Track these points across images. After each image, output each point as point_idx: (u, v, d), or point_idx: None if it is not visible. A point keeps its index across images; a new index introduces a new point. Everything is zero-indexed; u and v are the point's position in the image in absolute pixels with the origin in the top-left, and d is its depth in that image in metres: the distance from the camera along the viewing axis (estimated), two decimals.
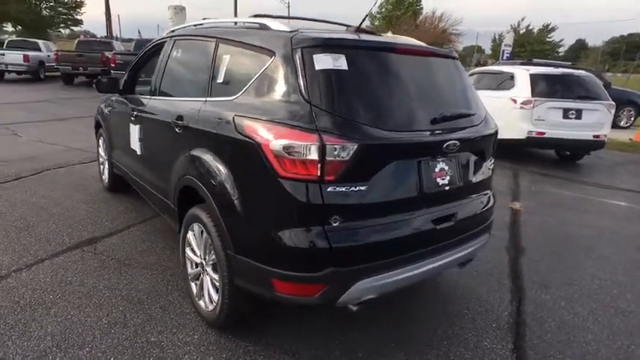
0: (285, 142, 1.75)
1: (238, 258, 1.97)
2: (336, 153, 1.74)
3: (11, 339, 2.18)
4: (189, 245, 2.47)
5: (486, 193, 2.51)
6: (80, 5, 33.99)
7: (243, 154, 1.93)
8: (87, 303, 2.52)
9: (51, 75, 17.01)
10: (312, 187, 1.75)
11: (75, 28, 35.81)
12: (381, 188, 1.87)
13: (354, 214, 1.83)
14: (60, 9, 33.70)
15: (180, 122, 2.46)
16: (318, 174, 1.73)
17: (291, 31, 2.02)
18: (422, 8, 51.26)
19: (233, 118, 2.00)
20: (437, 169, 2.06)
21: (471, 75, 9.21)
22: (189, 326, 2.37)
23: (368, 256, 1.86)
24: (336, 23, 2.73)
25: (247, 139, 1.89)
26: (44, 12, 32.80)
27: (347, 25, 2.60)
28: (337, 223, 1.79)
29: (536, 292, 3.00)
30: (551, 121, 6.78)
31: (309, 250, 1.77)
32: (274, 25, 2.16)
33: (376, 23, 53.11)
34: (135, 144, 3.24)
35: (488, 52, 61.85)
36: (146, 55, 3.45)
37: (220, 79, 2.31)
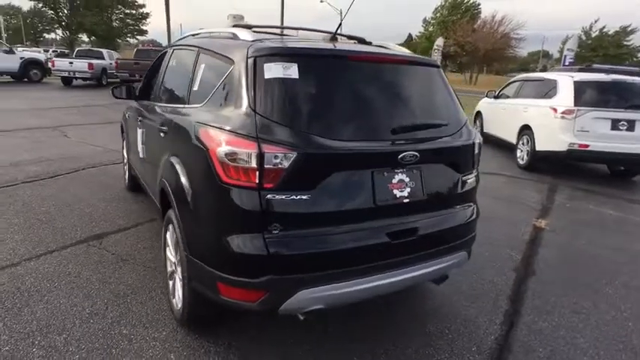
0: (228, 149, 1.78)
1: (192, 259, 2.03)
2: (276, 161, 1.74)
3: (4, 320, 2.39)
4: (168, 245, 2.58)
5: (465, 207, 2.37)
6: (146, 17, 37.02)
7: (198, 159, 1.99)
8: (77, 293, 2.70)
9: (112, 81, 18.41)
10: (251, 194, 1.76)
11: (140, 38, 38.85)
12: (326, 198, 1.84)
13: (295, 222, 1.82)
14: (128, 20, 36.82)
15: (163, 128, 2.58)
16: (257, 181, 1.75)
17: (253, 41, 2.06)
18: (480, 12, 49.51)
19: (194, 124, 2.08)
20: (394, 181, 1.99)
21: (512, 82, 8.75)
22: (161, 322, 2.47)
23: (310, 265, 1.83)
24: (319, 31, 2.73)
25: (200, 146, 1.95)
26: (114, 23, 35.91)
27: (328, 33, 2.60)
28: (277, 231, 1.78)
29: (533, 318, 2.77)
30: (598, 132, 6.24)
31: (248, 256, 1.78)
32: (242, 34, 2.21)
33: (430, 29, 52.06)
34: (140, 147, 3.44)
35: (557, 56, 57.92)
36: (156, 63, 3.65)
37: (196, 87, 2.40)
